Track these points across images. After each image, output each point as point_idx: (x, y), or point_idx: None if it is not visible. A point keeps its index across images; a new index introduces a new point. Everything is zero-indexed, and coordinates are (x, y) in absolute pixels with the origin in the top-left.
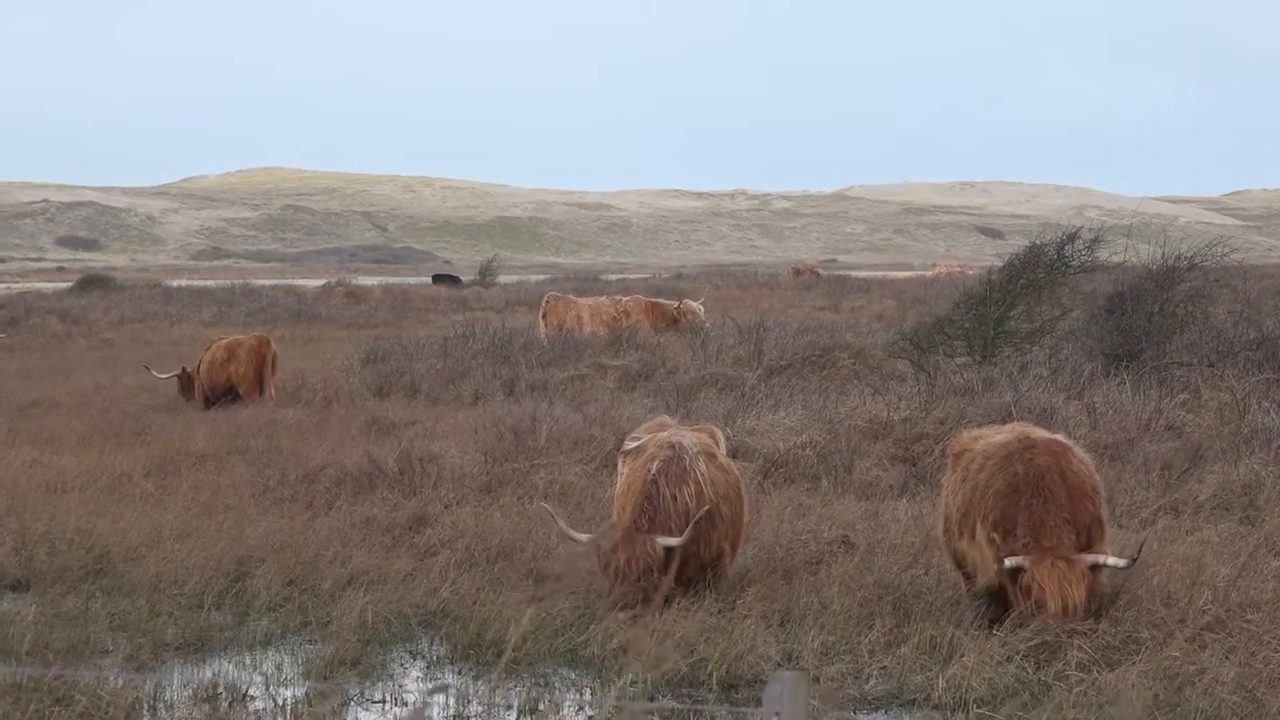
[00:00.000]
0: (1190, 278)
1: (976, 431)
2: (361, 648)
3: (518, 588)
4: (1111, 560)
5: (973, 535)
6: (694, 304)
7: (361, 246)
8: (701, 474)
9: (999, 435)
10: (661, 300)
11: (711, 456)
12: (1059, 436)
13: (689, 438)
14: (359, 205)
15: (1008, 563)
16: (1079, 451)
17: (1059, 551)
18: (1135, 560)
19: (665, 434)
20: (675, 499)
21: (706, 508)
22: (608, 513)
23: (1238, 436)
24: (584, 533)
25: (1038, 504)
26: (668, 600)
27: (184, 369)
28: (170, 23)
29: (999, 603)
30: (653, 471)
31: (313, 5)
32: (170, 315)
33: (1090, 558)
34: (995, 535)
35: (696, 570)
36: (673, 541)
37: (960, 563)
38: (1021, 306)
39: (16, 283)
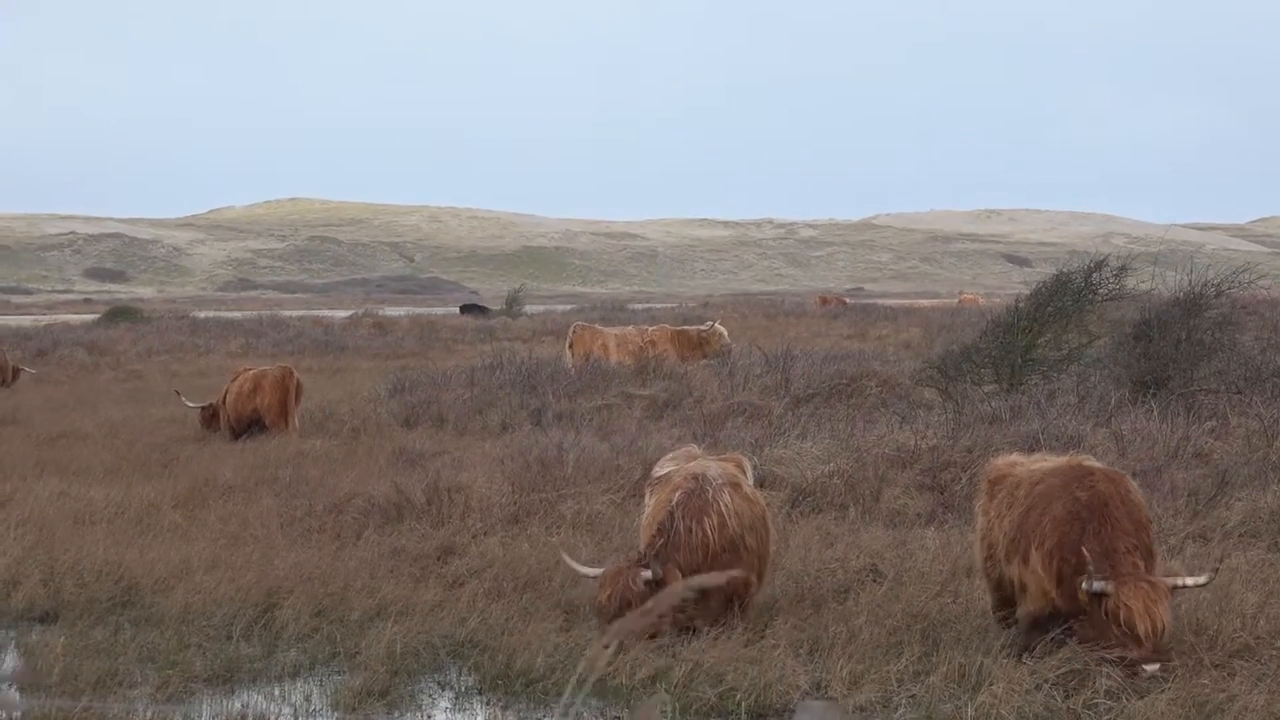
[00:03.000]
0: (1217, 304)
1: (1011, 458)
2: (390, 678)
3: (546, 618)
4: (1190, 580)
5: (1025, 560)
6: (720, 327)
7: (388, 277)
8: (725, 505)
9: (1045, 461)
10: (688, 328)
11: (736, 487)
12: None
13: (714, 468)
14: (385, 236)
15: (1095, 586)
16: (1131, 480)
17: (1141, 574)
18: (1214, 576)
19: (691, 465)
20: (691, 531)
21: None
22: (635, 543)
23: (1266, 463)
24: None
25: (1106, 531)
26: (695, 629)
27: (210, 403)
28: (196, 55)
29: (1040, 628)
30: (672, 502)
31: (339, 38)
32: (198, 346)
33: (1171, 580)
34: (1057, 561)
35: (721, 603)
36: (648, 574)
37: (1003, 588)
38: (1049, 334)
39: (44, 314)
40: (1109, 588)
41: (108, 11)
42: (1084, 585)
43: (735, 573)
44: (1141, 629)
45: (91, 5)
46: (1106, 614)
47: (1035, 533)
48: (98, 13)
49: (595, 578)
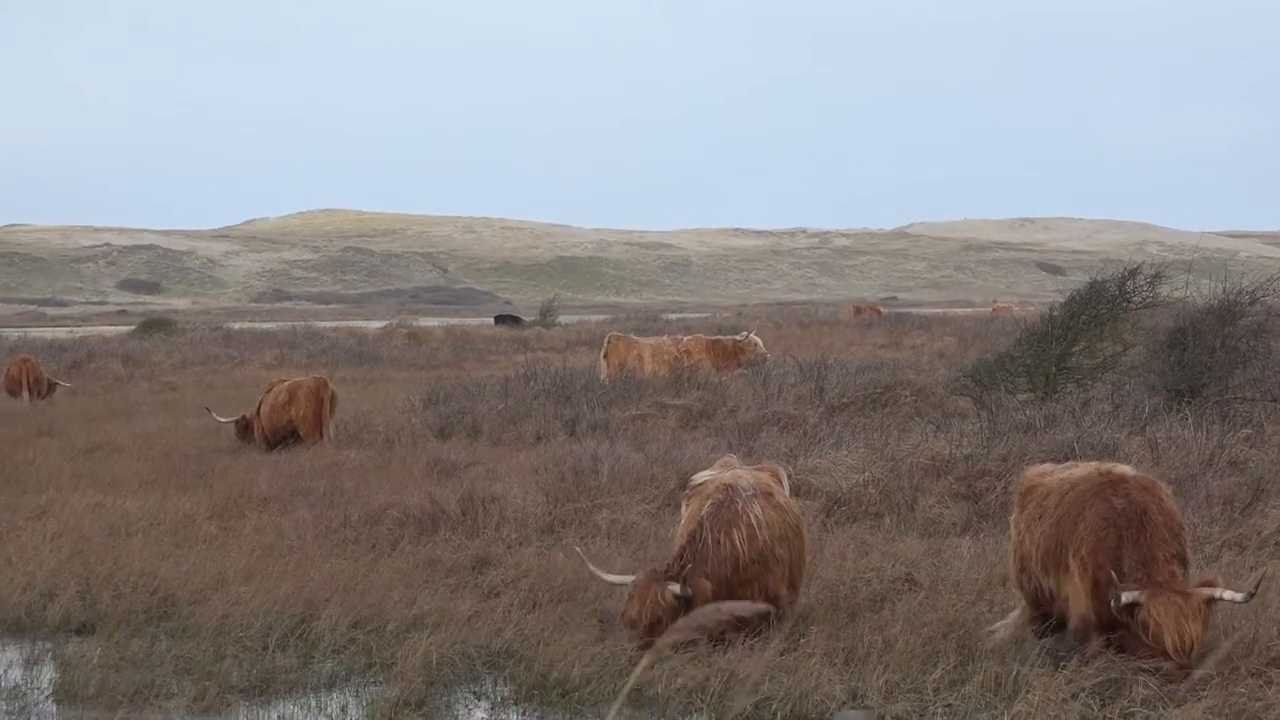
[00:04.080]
0: (1252, 312)
1: (1041, 467)
2: (426, 689)
3: (582, 628)
4: (1228, 594)
5: (1064, 569)
6: (755, 337)
7: (422, 288)
8: (755, 516)
9: (1075, 470)
10: (722, 338)
11: (768, 497)
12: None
13: (745, 479)
14: (419, 246)
15: (1124, 597)
16: (1164, 487)
17: (1175, 586)
18: (1253, 594)
19: (724, 475)
20: (720, 543)
21: (688, 565)
22: (669, 553)
23: None
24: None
25: (1143, 539)
26: (729, 640)
27: (243, 416)
28: (230, 67)
29: (1087, 636)
30: (702, 514)
31: (374, 49)
32: (232, 358)
33: (1206, 591)
34: (1093, 569)
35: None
36: (680, 589)
37: (1040, 600)
38: (1083, 343)
39: (78, 326)
40: (1141, 598)
41: (143, 24)
42: (1114, 596)
43: (761, 606)
44: (1170, 642)
45: (126, 17)
46: (1138, 625)
47: (1070, 540)
48: (132, 25)
49: (626, 586)
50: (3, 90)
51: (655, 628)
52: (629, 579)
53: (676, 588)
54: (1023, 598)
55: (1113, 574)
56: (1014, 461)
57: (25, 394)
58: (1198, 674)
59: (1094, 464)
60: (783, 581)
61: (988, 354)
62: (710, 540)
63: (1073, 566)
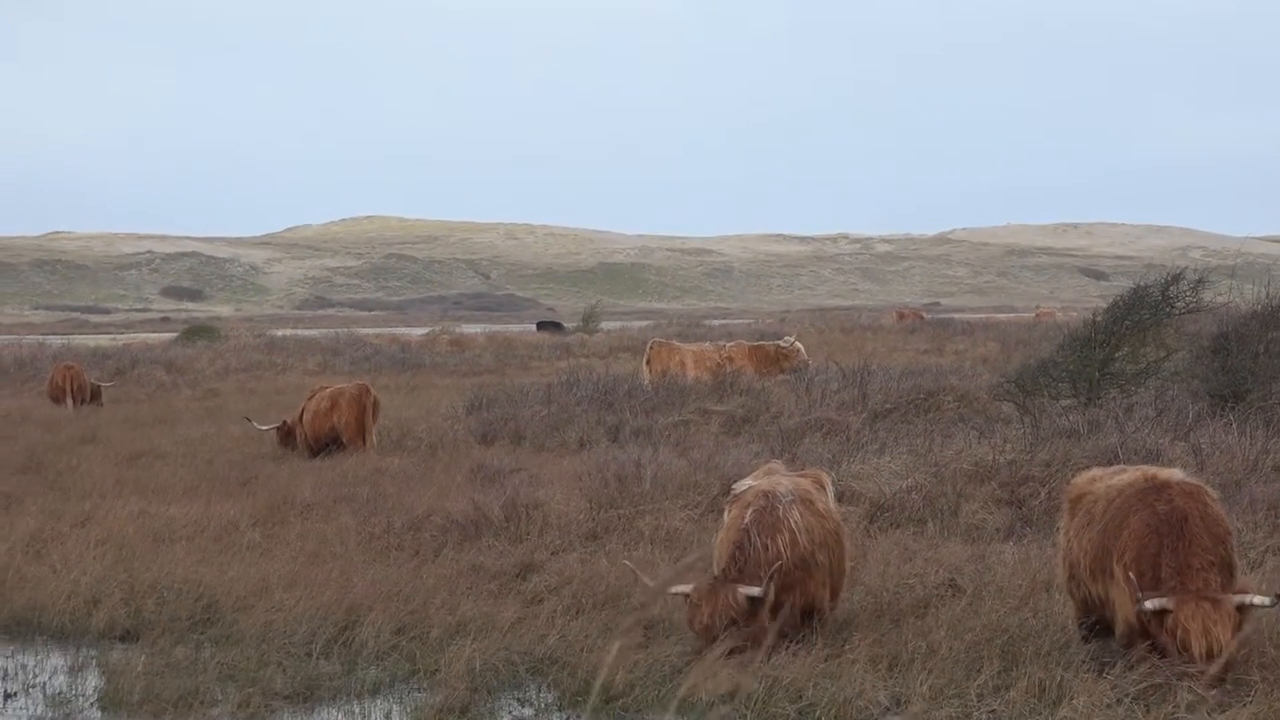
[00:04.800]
0: None
1: (1090, 474)
2: (470, 695)
3: (626, 634)
4: (1257, 599)
5: (1110, 575)
6: (798, 344)
7: (464, 294)
8: (795, 523)
9: (1122, 475)
10: (765, 344)
11: (808, 503)
12: (1181, 474)
13: (784, 485)
14: (462, 253)
15: (1149, 605)
16: (1211, 492)
17: (1205, 593)
18: (1276, 601)
19: (762, 482)
20: (767, 548)
21: (779, 564)
22: (712, 559)
23: None
24: (671, 580)
25: (1182, 546)
26: (768, 648)
27: (284, 421)
28: (272, 74)
29: (1134, 642)
30: (745, 521)
31: (414, 56)
32: (275, 365)
33: (1238, 598)
34: (1135, 575)
35: (791, 620)
36: (755, 591)
37: (1093, 608)
38: (1126, 348)
39: (121, 334)
40: (1169, 605)
41: (185, 32)
42: (1138, 604)
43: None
44: (1197, 649)
45: (169, 26)
46: (1166, 632)
47: (1115, 546)
48: (176, 33)
49: (684, 594)
50: (47, 98)
51: (729, 629)
52: (687, 588)
53: (753, 590)
54: (1072, 605)
55: (1134, 581)
56: (1057, 467)
57: (69, 401)
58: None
59: (1141, 469)
60: (823, 587)
61: (1031, 359)
62: (759, 544)
63: (1117, 573)
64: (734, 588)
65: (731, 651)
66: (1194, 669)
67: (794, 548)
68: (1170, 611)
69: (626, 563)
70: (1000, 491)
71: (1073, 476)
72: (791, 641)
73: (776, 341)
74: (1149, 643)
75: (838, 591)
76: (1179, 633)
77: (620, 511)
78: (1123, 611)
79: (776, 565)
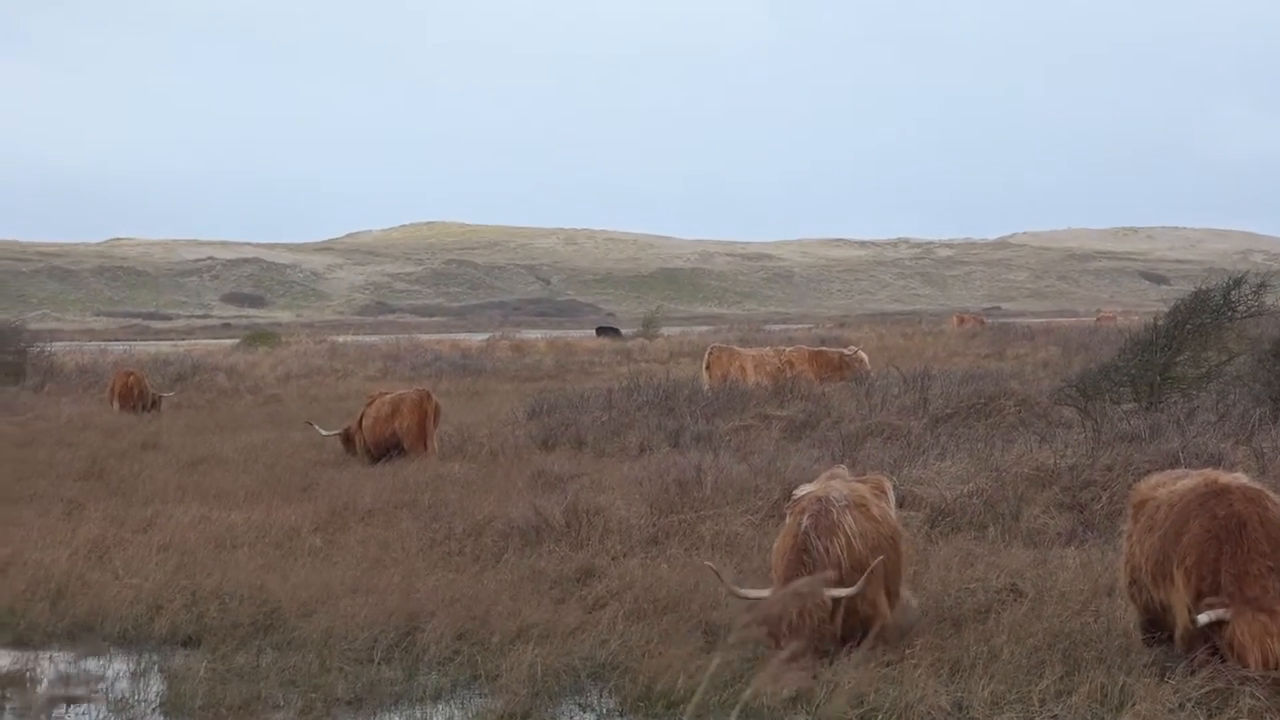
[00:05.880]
0: None
1: (1154, 479)
2: (531, 701)
3: (687, 640)
4: None
5: (1170, 580)
6: (862, 353)
7: (525, 299)
8: (850, 527)
9: (1185, 480)
10: (825, 349)
11: (862, 508)
12: (1244, 478)
13: (838, 491)
14: (522, 258)
15: (1203, 618)
16: (1274, 496)
17: (1262, 602)
18: None
19: (817, 488)
20: (829, 551)
21: (880, 558)
22: (770, 564)
23: None
24: (743, 585)
25: (1240, 551)
26: (834, 652)
27: (347, 428)
28: (331, 81)
29: (1193, 647)
30: (804, 526)
31: (475, 62)
32: (336, 371)
33: None
34: (1195, 580)
35: (853, 624)
36: (841, 592)
37: (1155, 614)
38: (1188, 352)
39: (183, 339)
40: (1226, 616)
41: (244, 38)
42: (1195, 617)
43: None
44: (1253, 660)
45: (230, 32)
46: (1223, 643)
47: (1175, 552)
48: (234, 39)
49: (754, 600)
50: (107, 104)
51: (816, 634)
52: (764, 593)
53: (839, 591)
54: (1135, 610)
55: (1188, 596)
56: (1119, 472)
57: (130, 407)
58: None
59: (1204, 473)
60: (880, 591)
61: (1092, 364)
62: (821, 547)
63: (1177, 578)
64: (819, 588)
65: (795, 656)
66: (1255, 675)
67: (850, 551)
68: (1226, 623)
69: (708, 564)
70: (1061, 496)
71: (1137, 482)
72: (852, 647)
73: (841, 350)
74: (1210, 647)
75: (897, 597)
76: (1235, 645)
77: (681, 517)
78: (1182, 617)
79: (876, 563)
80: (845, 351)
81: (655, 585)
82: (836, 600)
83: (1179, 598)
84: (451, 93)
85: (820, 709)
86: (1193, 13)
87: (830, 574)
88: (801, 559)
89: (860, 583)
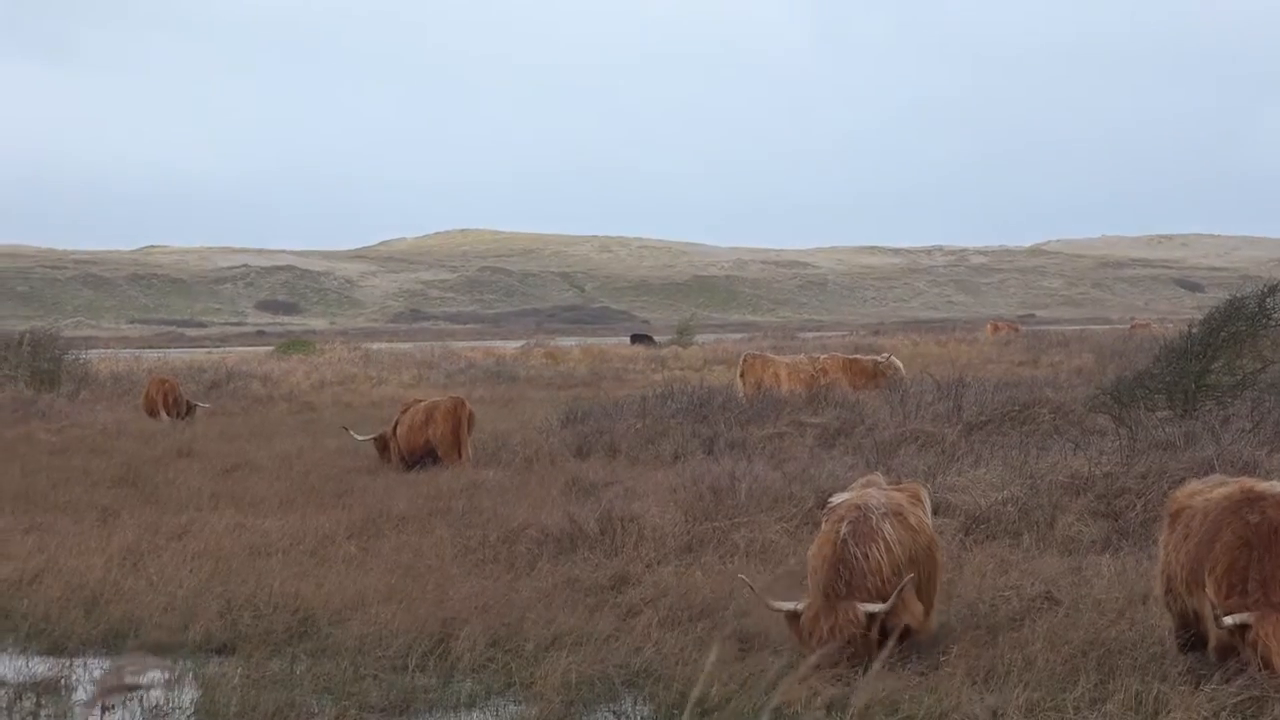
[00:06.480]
0: None
1: (1190, 488)
2: (566, 708)
3: (721, 647)
4: None
5: (1202, 587)
6: (896, 361)
7: (559, 307)
8: (888, 534)
9: (1220, 488)
10: (859, 356)
11: (899, 516)
12: (1277, 485)
13: (876, 499)
14: (556, 266)
15: (1228, 621)
16: None
17: None
18: None
19: (854, 495)
20: (868, 558)
21: (911, 576)
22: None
23: None
24: (776, 593)
25: (1270, 558)
26: (869, 661)
27: (382, 434)
28: (364, 89)
29: (1222, 655)
30: (842, 534)
31: (509, 70)
32: (370, 378)
33: None
34: (1226, 587)
35: (888, 633)
36: (875, 607)
37: (1190, 621)
38: (1222, 360)
39: (217, 347)
40: (1250, 619)
41: (277, 45)
42: (1218, 620)
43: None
44: (1277, 663)
45: (260, 40)
46: (1247, 648)
47: (1208, 559)
48: (268, 46)
49: (792, 611)
50: (141, 112)
51: (849, 647)
52: (795, 605)
53: (873, 606)
54: (1170, 618)
55: (1212, 599)
56: (1153, 479)
57: (164, 415)
58: None
59: (1240, 481)
60: (915, 601)
61: (1126, 371)
62: (860, 556)
63: (1208, 585)
64: (853, 604)
65: (825, 663)
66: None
67: (890, 556)
68: (1250, 627)
69: (741, 577)
70: (1096, 504)
71: (1173, 490)
72: (888, 655)
73: (874, 357)
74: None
75: (932, 605)
76: (1260, 648)
77: (715, 524)
78: (1214, 625)
79: (908, 579)
80: (879, 359)
81: (689, 593)
82: (870, 615)
83: (1210, 605)
84: (486, 100)
85: (854, 717)
86: (1229, 19)
87: (870, 583)
88: (839, 567)
89: (893, 598)
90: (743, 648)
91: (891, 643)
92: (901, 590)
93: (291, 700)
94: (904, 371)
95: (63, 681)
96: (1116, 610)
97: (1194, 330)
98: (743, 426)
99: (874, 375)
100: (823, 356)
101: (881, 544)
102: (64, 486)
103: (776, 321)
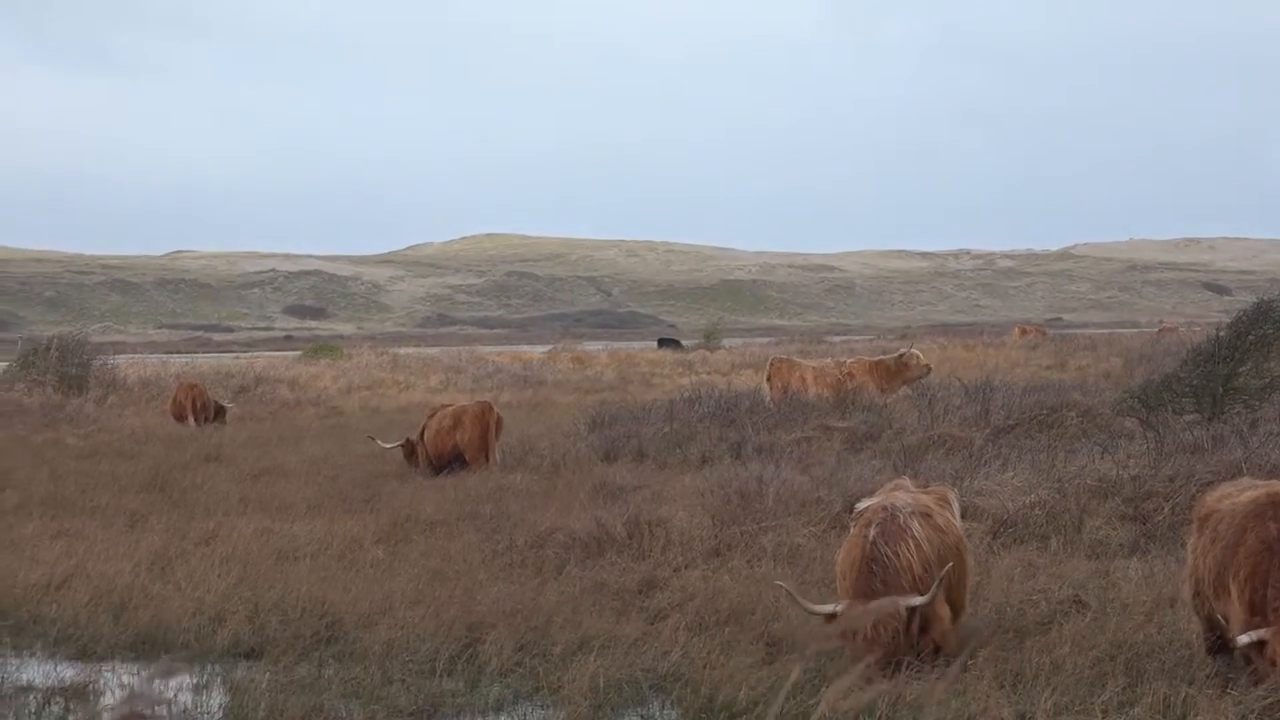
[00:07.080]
0: None
1: (1219, 492)
2: (593, 712)
3: (749, 651)
4: None
5: (1227, 592)
6: (916, 350)
7: (586, 311)
8: (917, 534)
9: (1249, 492)
10: (885, 359)
11: (926, 516)
12: None
13: (903, 500)
14: (583, 270)
15: (1243, 639)
16: None
17: None
18: None
19: (881, 498)
20: (899, 555)
21: (950, 564)
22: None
23: None
24: (805, 597)
25: None
26: (900, 663)
27: (408, 439)
28: (392, 93)
29: (1250, 661)
30: (871, 536)
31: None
32: (398, 383)
33: None
34: (1249, 593)
35: (921, 632)
36: (916, 601)
37: (1215, 625)
38: (1250, 363)
39: (245, 352)
40: (1265, 636)
41: (305, 52)
42: (1237, 639)
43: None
44: None
45: (288, 47)
46: (1266, 661)
47: (1232, 564)
48: (295, 52)
49: (825, 614)
50: (169, 117)
51: (896, 640)
52: (834, 607)
53: (917, 600)
54: (1198, 622)
55: (1223, 621)
56: (1181, 483)
57: (191, 419)
58: None
59: (1269, 485)
60: (944, 601)
61: (1154, 375)
62: (890, 554)
63: (1232, 590)
64: (894, 600)
65: (875, 667)
66: None
67: (919, 554)
68: (1267, 642)
69: (781, 583)
70: (1124, 507)
71: (1201, 494)
72: (917, 658)
73: (895, 354)
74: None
75: (959, 607)
76: (1277, 662)
77: (743, 528)
78: (1237, 629)
79: (946, 569)
80: (900, 352)
81: (717, 597)
82: (911, 610)
83: (1234, 610)
84: (513, 104)
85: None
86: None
87: (904, 580)
88: (871, 568)
89: (934, 589)
90: (770, 651)
91: (941, 640)
92: (941, 581)
93: (319, 705)
94: (924, 359)
95: (90, 687)
96: (1144, 614)
97: (1222, 334)
98: (770, 430)
99: (898, 372)
100: (849, 360)
101: (911, 541)
102: (92, 491)
103: (803, 325)
